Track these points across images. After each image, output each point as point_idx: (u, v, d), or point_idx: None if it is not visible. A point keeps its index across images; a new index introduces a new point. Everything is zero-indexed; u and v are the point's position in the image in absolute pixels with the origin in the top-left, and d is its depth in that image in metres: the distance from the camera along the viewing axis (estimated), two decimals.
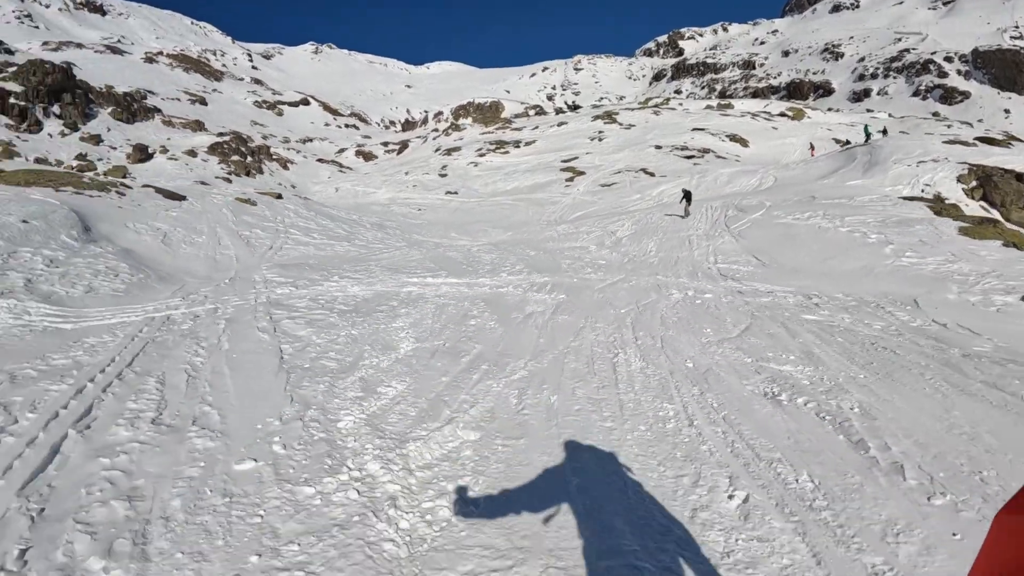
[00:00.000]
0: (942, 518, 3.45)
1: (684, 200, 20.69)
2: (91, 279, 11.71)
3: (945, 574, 3.01)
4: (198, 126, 55.67)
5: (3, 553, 3.06)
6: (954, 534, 3.30)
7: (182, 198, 23.73)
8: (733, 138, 47.07)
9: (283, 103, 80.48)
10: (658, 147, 43.36)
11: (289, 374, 5.92)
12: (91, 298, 10.54)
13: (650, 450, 4.40)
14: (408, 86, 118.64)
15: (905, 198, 18.61)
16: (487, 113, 68.95)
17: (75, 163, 39.11)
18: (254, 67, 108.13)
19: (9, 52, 51.38)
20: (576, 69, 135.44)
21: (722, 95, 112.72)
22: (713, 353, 6.70)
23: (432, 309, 9.07)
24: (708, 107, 64.70)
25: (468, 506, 3.61)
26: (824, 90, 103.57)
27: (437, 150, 53.69)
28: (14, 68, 44.83)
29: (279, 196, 28.87)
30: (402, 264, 14.17)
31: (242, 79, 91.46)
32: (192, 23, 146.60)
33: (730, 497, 3.71)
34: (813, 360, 6.38)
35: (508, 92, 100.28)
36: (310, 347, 6.95)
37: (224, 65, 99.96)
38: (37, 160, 35.92)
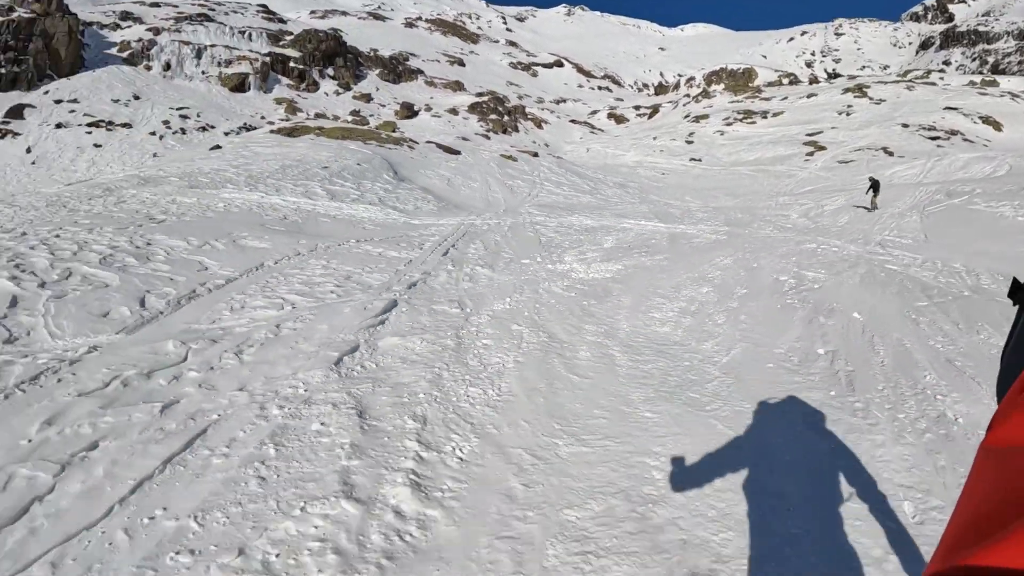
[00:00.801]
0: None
1: (871, 191, 20.47)
2: (414, 202, 19.22)
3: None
4: (457, 86, 65.90)
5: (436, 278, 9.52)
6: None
7: (457, 152, 32.07)
8: (986, 120, 44.90)
9: (537, 64, 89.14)
10: (905, 125, 43.31)
11: (544, 247, 12.12)
12: (419, 213, 17.86)
13: (762, 297, 9.59)
14: (661, 48, 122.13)
15: None
16: (738, 80, 70.60)
17: (350, 118, 49.81)
18: (508, 29, 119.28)
19: (282, 21, 66.53)
20: (836, 34, 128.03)
21: (995, 69, 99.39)
22: (806, 271, 11.23)
23: (632, 236, 14.74)
24: (971, 83, 60.22)
25: (605, 276, 9.33)
26: None
27: (686, 116, 57.65)
28: (291, 36, 58.52)
29: (535, 154, 36.28)
30: (628, 213, 19.91)
31: (497, 41, 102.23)
32: None
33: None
34: (838, 273, 10.63)
35: (765, 57, 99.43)
36: (554, 240, 13.16)
37: (479, 28, 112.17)
38: (317, 115, 47.63)
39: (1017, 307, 0.96)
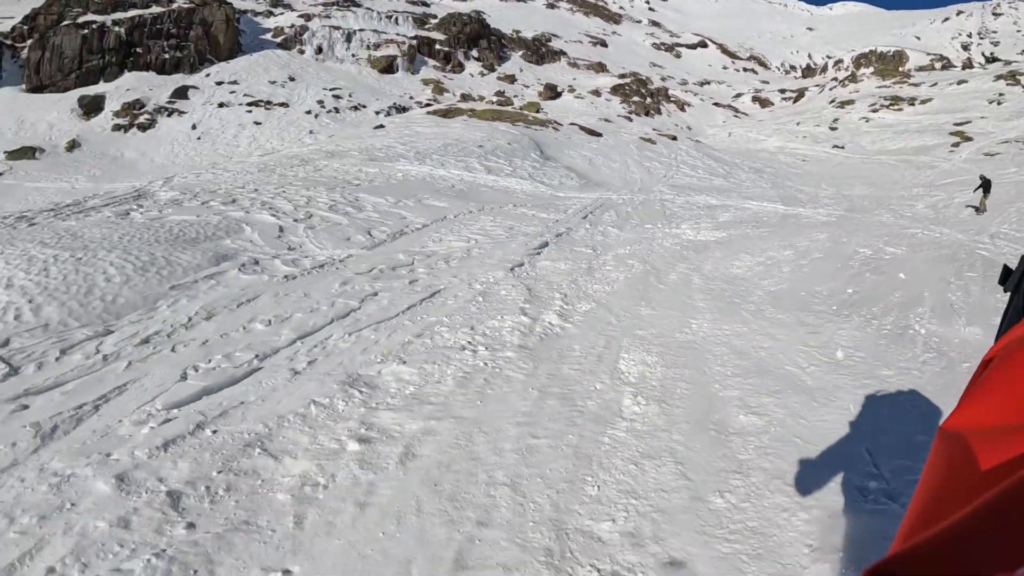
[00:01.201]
0: None
1: (981, 189, 19.56)
2: (558, 179, 22.09)
3: None
4: (600, 67, 67.08)
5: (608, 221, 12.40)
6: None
7: (599, 135, 34.68)
8: None
9: (680, 45, 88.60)
10: None
11: (666, 217, 14.69)
12: (563, 188, 20.67)
13: (831, 260, 11.73)
14: (809, 29, 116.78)
15: None
16: (887, 63, 67.13)
17: (495, 98, 51.97)
18: (651, 8, 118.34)
19: (425, 4, 69.76)
20: (995, 14, 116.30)
21: None
22: (890, 247, 12.93)
23: (749, 214, 16.88)
24: None
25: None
26: None
27: (831, 101, 56.44)
28: (436, 20, 61.84)
29: (674, 137, 38.23)
30: (754, 195, 21.80)
31: (640, 21, 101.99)
32: None
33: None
34: (917, 252, 12.31)
35: (918, 39, 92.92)
36: (677, 213, 15.67)
37: (622, 8, 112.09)
38: (463, 96, 50.42)
39: (1008, 294, 0.98)
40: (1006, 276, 1.01)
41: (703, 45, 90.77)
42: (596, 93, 57.06)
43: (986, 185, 19.41)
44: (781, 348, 5.82)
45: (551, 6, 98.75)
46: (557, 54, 68.99)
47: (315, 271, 8.14)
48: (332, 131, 37.41)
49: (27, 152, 33.28)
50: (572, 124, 38.23)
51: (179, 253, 8.39)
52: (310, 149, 25.62)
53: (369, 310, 6.57)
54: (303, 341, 5.67)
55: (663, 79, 68.54)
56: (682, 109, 58.58)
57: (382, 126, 33.71)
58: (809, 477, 3.64)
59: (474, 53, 60.27)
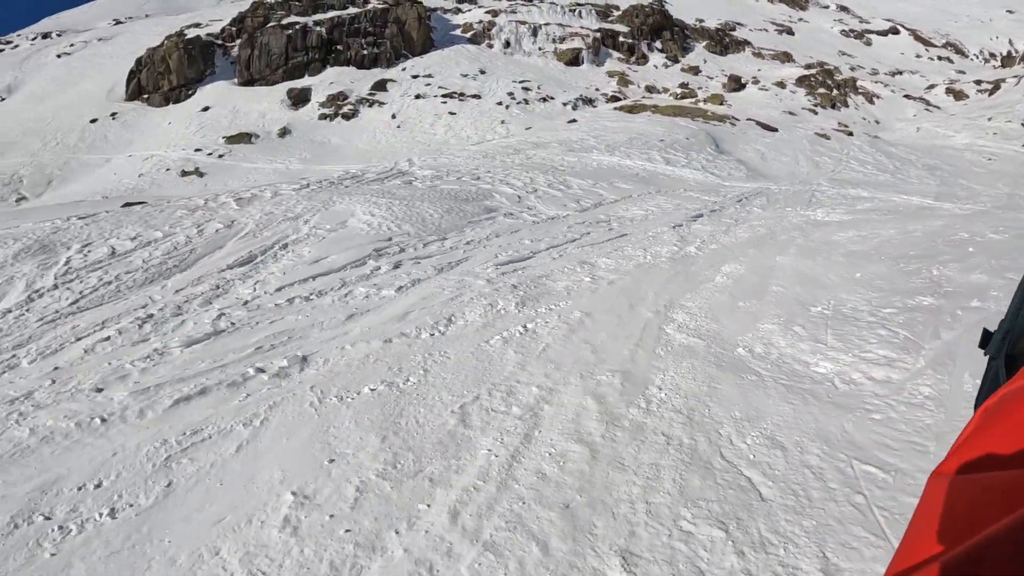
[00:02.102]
0: None
1: None
2: (728, 170, 25.80)
3: None
4: (786, 57, 66.11)
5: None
6: None
7: (774, 130, 37.47)
8: None
9: (871, 32, 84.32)
10: None
11: (808, 204, 18.26)
12: (730, 178, 24.44)
13: (927, 237, 15.04)
14: (1009, 11, 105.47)
15: None
16: None
17: (679, 91, 53.67)
18: None
19: None
20: None
21: None
22: (992, 233, 15.71)
23: (889, 205, 19.78)
24: None
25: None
26: None
27: None
28: (619, 12, 63.66)
29: (850, 133, 39.94)
30: (910, 191, 24.07)
31: (827, 7, 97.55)
32: None
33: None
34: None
35: None
36: (820, 201, 19.06)
37: None
38: (647, 87, 52.65)
39: (987, 358, 0.96)
40: (986, 340, 0.99)
41: (895, 31, 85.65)
42: (781, 85, 57.14)
43: None
44: (823, 272, 9.94)
45: None
46: (741, 44, 68.60)
47: (548, 221, 13.26)
48: (522, 121, 41.56)
49: (244, 137, 40.59)
50: (749, 119, 40.85)
51: (463, 205, 13.87)
52: (517, 140, 31.17)
53: (586, 240, 11.52)
54: (553, 248, 10.75)
55: (852, 69, 66.40)
56: (871, 101, 57.23)
57: (575, 120, 38.71)
58: (784, 302, 8.02)
59: (657, 44, 61.47)
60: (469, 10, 61.91)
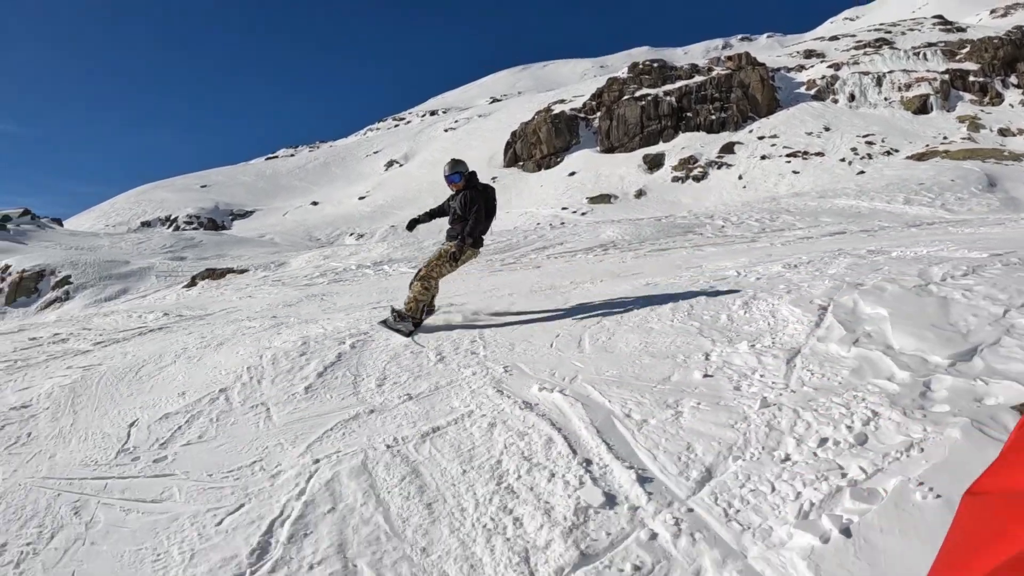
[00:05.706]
0: None
1: None
2: (973, 207, 28.65)
3: None
4: None
5: None
6: None
7: None
8: None
9: None
10: None
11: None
12: (968, 213, 27.87)
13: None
14: None
15: None
16: None
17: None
18: None
19: (961, 30, 65.43)
20: None
21: None
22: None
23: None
24: None
25: None
26: None
27: None
28: (967, 48, 57.47)
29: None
30: None
31: None
32: None
33: None
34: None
35: None
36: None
37: None
38: (1000, 131, 46.26)
39: None
40: None
41: None
42: None
43: None
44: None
45: None
46: None
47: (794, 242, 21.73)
48: (855, 179, 39.74)
49: (604, 198, 45.92)
50: None
51: (671, 230, 22.87)
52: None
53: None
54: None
55: None
56: None
57: (863, 171, 40.93)
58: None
59: (1012, 79, 53.55)
60: (812, 66, 61.91)
